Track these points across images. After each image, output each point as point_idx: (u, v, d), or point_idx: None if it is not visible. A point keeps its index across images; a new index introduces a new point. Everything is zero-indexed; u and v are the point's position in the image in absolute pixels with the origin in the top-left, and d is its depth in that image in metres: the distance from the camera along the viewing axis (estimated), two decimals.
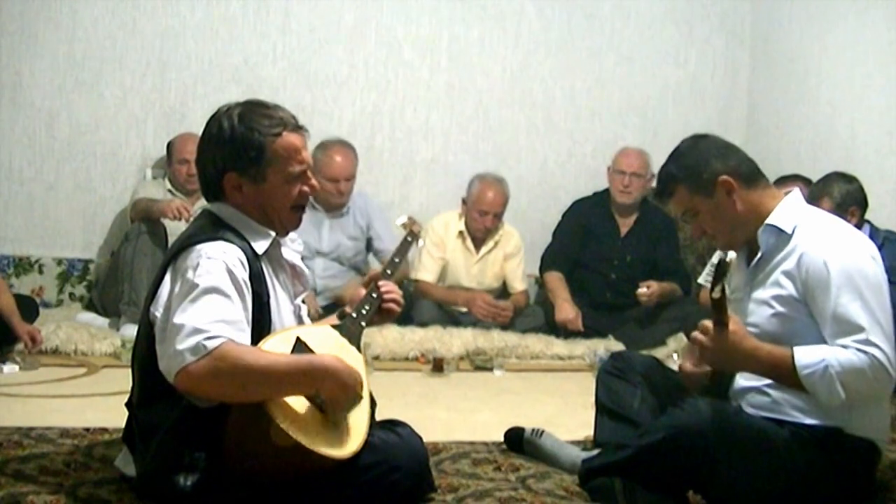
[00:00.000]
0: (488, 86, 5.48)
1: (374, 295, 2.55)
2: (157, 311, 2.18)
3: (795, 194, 2.53)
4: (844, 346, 2.28)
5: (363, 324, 2.48)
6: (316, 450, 2.09)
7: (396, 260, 2.71)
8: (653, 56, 5.69)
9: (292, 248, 2.45)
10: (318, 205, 4.69)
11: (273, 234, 2.34)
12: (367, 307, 2.51)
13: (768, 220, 2.45)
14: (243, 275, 2.19)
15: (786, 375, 2.31)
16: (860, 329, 2.27)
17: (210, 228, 2.26)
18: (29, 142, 4.94)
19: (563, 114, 5.59)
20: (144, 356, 2.22)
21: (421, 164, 5.43)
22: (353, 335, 2.42)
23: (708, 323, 2.29)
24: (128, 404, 2.35)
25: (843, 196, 3.79)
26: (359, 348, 2.42)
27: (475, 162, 5.31)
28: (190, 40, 5.09)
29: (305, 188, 2.36)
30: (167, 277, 2.22)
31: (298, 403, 2.14)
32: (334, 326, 2.43)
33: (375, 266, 4.59)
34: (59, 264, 5.01)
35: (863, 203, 3.86)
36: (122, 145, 5.04)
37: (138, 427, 2.27)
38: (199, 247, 2.19)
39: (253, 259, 2.25)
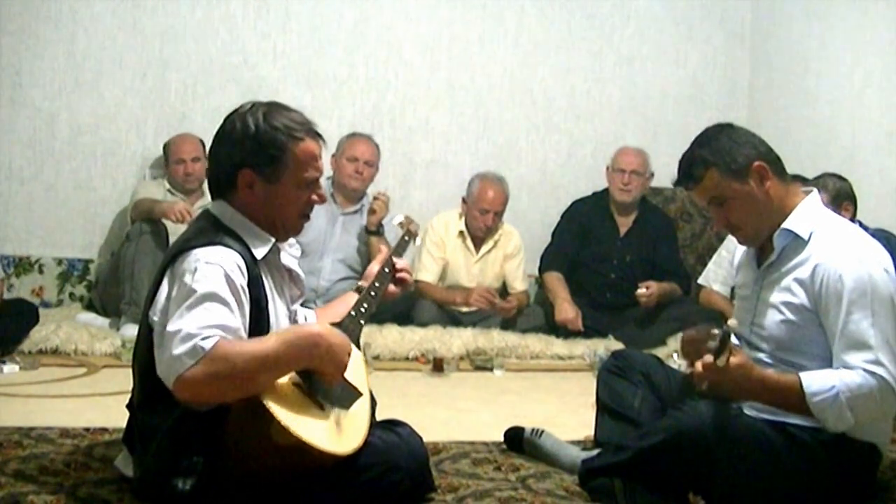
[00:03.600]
0: (488, 86, 5.48)
1: (374, 294, 2.56)
2: (156, 315, 2.18)
3: (814, 197, 2.50)
4: (851, 367, 2.27)
5: (362, 322, 2.48)
6: (317, 447, 2.08)
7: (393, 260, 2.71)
8: (653, 56, 5.69)
9: (290, 252, 2.45)
10: (337, 197, 4.82)
11: (273, 239, 2.34)
12: (366, 305, 2.51)
13: (785, 225, 2.42)
14: (241, 280, 2.18)
15: (793, 402, 2.29)
16: (869, 348, 2.26)
17: (210, 232, 2.25)
18: (29, 142, 4.94)
19: (563, 114, 5.59)
20: (144, 358, 2.21)
21: (421, 163, 5.43)
22: (352, 334, 2.42)
23: (709, 358, 2.22)
24: (129, 406, 2.35)
25: (836, 192, 3.80)
26: (358, 346, 2.43)
27: (475, 162, 5.31)
28: (190, 40, 5.09)
29: (315, 197, 2.36)
30: (165, 281, 2.21)
31: (298, 401, 2.14)
32: (333, 324, 2.43)
33: None
34: (59, 264, 5.00)
35: (854, 200, 3.88)
36: (122, 145, 5.04)
37: (138, 429, 2.27)
38: (197, 251, 2.18)
39: (251, 264, 2.24)
